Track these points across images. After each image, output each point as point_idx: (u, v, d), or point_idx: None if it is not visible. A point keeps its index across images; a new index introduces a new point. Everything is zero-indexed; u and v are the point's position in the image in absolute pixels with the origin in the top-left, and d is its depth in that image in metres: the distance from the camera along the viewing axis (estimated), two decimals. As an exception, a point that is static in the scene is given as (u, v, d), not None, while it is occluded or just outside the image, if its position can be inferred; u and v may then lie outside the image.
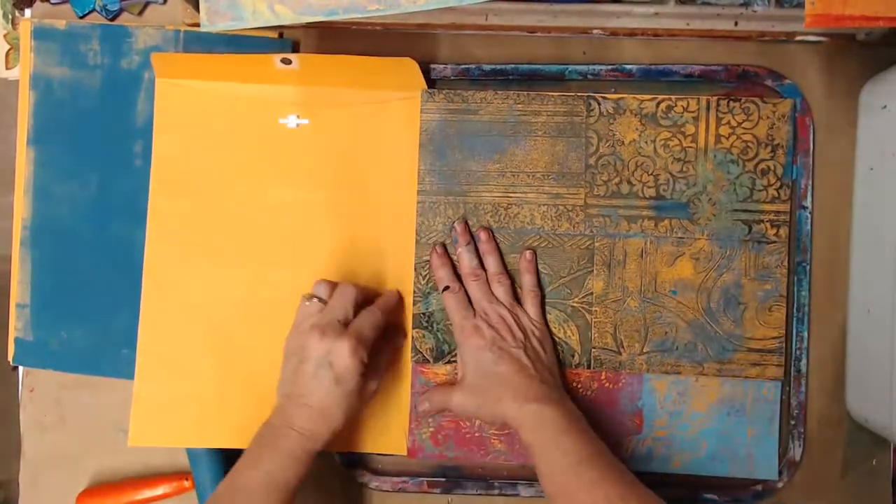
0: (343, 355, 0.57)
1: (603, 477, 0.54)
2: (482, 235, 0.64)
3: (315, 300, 0.61)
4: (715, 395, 0.64)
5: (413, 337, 0.65)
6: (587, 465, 0.55)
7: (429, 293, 0.65)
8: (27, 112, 0.67)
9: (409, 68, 0.62)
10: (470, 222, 0.64)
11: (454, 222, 0.64)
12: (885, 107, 0.60)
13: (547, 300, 0.64)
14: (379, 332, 0.60)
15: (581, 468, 0.55)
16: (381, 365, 0.62)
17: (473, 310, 0.63)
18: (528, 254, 0.64)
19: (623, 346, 0.64)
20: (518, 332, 0.61)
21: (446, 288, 0.63)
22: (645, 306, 0.64)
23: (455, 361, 0.64)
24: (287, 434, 0.56)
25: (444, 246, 0.64)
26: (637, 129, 0.64)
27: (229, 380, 0.65)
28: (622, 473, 0.55)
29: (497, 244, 0.64)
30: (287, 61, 0.62)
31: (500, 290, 0.63)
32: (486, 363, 0.60)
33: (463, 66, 0.65)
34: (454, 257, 0.64)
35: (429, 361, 0.65)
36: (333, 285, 0.62)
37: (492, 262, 0.64)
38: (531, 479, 0.65)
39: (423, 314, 0.65)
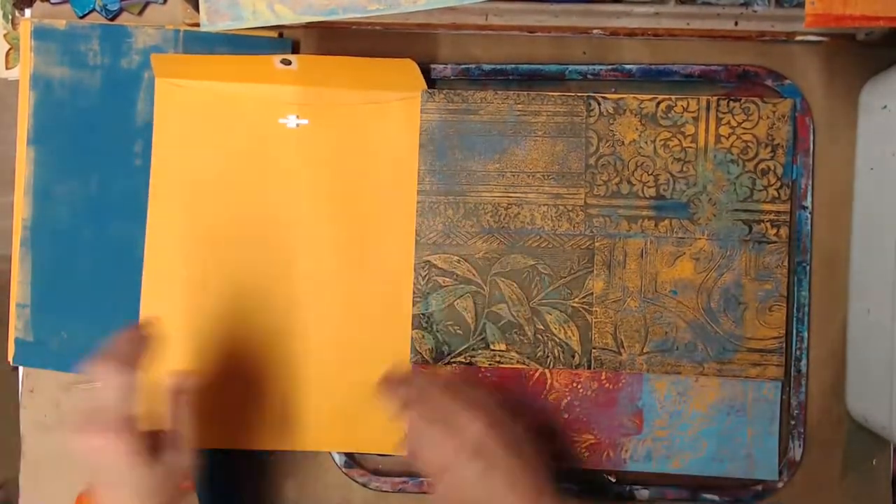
0: (102, 448, 0.50)
1: None
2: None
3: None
4: (715, 395, 0.64)
5: (413, 338, 0.65)
6: None
7: (428, 294, 0.65)
8: (27, 112, 0.67)
9: (409, 69, 0.62)
10: (469, 222, 0.64)
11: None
12: (885, 107, 0.60)
13: (547, 300, 0.64)
14: (131, 389, 0.51)
15: None
16: (181, 433, 0.55)
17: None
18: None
19: (623, 347, 0.64)
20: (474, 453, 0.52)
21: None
22: (645, 306, 0.64)
23: (455, 362, 0.64)
24: None
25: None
26: (637, 129, 0.64)
27: (229, 380, 0.65)
28: None
29: None
30: (287, 62, 0.62)
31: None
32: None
33: (463, 66, 0.65)
34: None
35: (428, 362, 0.65)
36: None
37: None
38: (531, 479, 0.65)
39: (423, 315, 0.65)
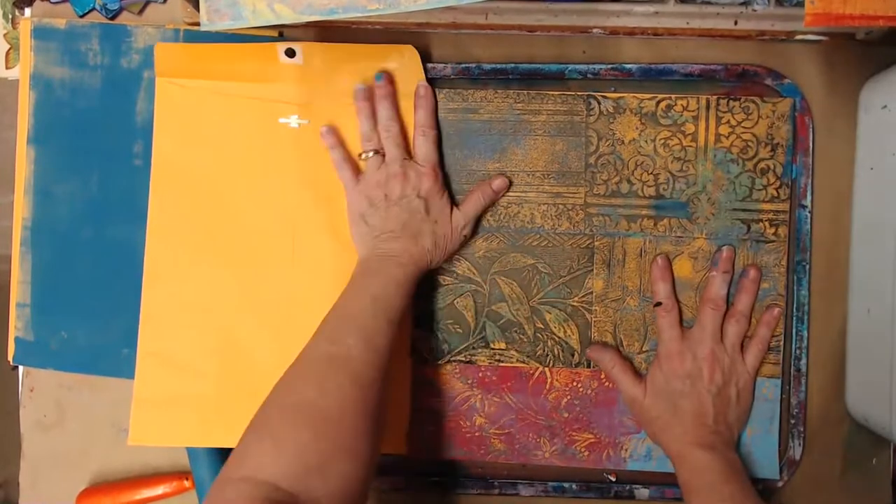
0: (425, 182, 0.61)
1: None
2: (751, 274, 0.62)
3: (372, 153, 0.62)
4: (715, 395, 0.64)
5: (413, 336, 0.65)
6: None
7: (428, 292, 0.64)
8: (27, 112, 0.67)
9: (409, 56, 0.62)
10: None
11: (723, 247, 0.63)
12: (885, 107, 0.60)
13: (547, 299, 0.64)
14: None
15: None
16: (470, 206, 0.63)
17: (681, 330, 0.62)
18: (776, 311, 0.63)
19: (623, 345, 0.64)
20: (719, 376, 0.60)
21: (659, 304, 0.62)
22: (644, 305, 0.64)
23: (455, 361, 0.65)
24: (387, 263, 0.59)
25: (668, 258, 0.63)
26: (637, 129, 0.64)
27: (229, 379, 0.65)
28: None
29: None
30: (291, 52, 0.62)
31: (732, 332, 0.62)
32: (673, 390, 0.60)
33: (463, 66, 0.65)
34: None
35: (428, 361, 0.65)
36: (371, 120, 0.63)
37: (743, 301, 0.62)
38: (531, 478, 0.65)
39: (424, 314, 0.65)
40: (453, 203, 0.63)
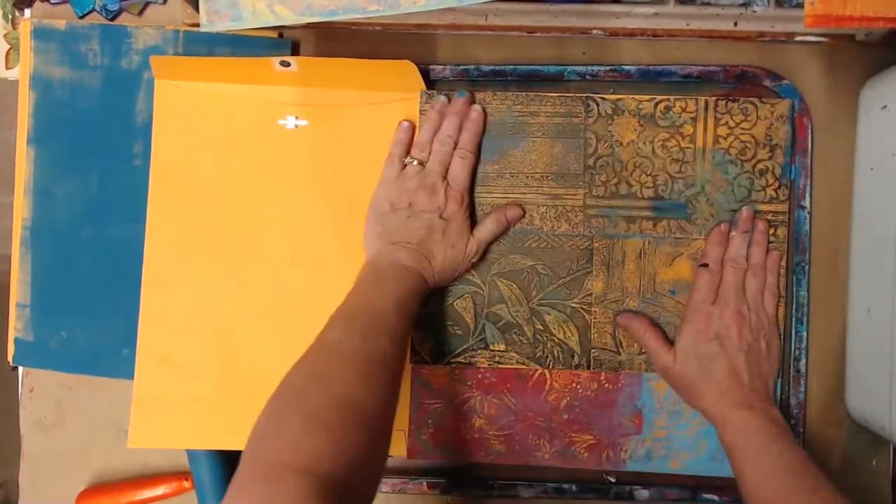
0: (452, 205, 0.61)
1: (819, 485, 0.54)
2: (760, 226, 0.63)
3: (416, 163, 0.62)
4: (714, 396, 0.64)
5: (412, 338, 0.65)
6: (800, 474, 0.55)
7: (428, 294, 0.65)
8: (27, 112, 0.67)
9: (408, 71, 0.62)
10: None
11: (742, 207, 0.63)
12: (885, 107, 0.60)
13: (546, 300, 0.64)
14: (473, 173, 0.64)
15: (793, 475, 0.54)
16: (483, 233, 0.63)
17: (716, 296, 0.61)
18: (775, 255, 0.63)
19: (622, 347, 0.64)
20: (747, 332, 0.60)
21: (705, 265, 0.62)
22: (644, 306, 0.64)
23: (455, 363, 0.65)
24: (402, 273, 0.59)
25: (728, 226, 0.63)
26: (636, 130, 0.64)
27: (229, 381, 0.65)
28: (830, 483, 0.54)
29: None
30: (286, 64, 0.62)
31: (751, 286, 0.61)
32: (703, 354, 0.60)
33: (462, 67, 0.65)
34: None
35: (428, 362, 0.65)
36: (432, 133, 0.63)
37: (756, 254, 0.62)
38: (531, 479, 0.65)
39: (422, 315, 0.65)
40: (471, 229, 0.63)
